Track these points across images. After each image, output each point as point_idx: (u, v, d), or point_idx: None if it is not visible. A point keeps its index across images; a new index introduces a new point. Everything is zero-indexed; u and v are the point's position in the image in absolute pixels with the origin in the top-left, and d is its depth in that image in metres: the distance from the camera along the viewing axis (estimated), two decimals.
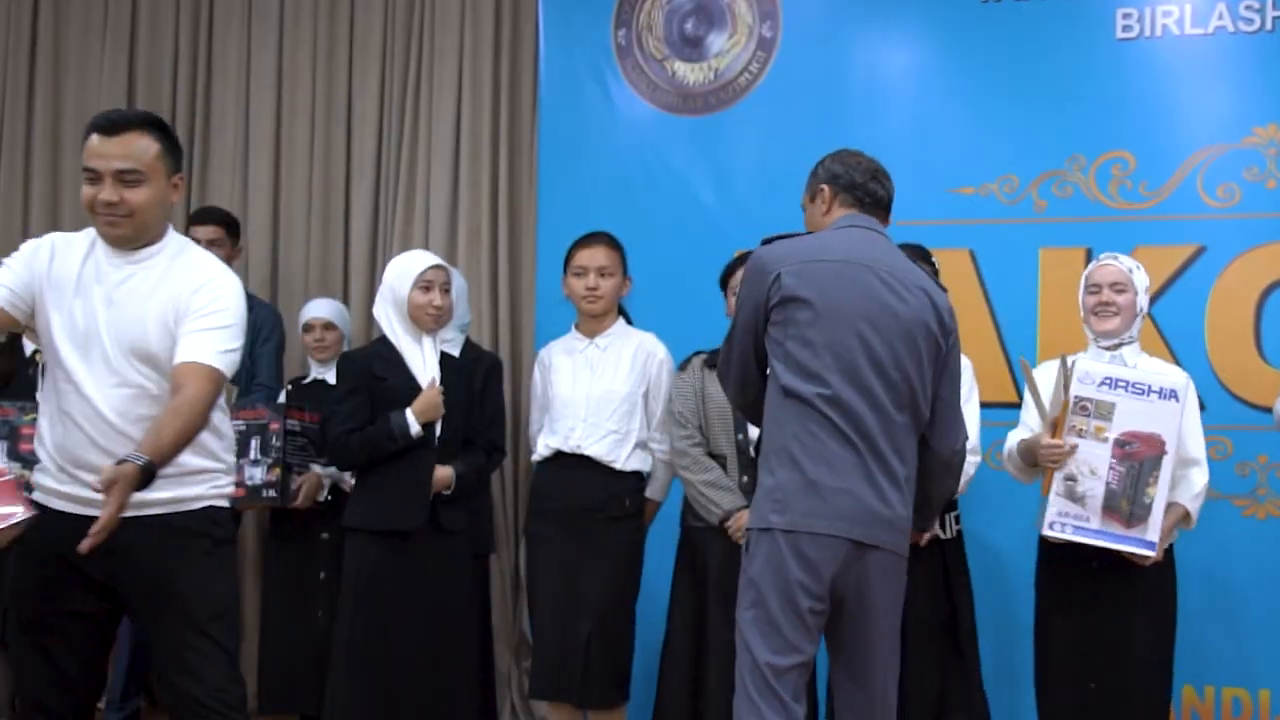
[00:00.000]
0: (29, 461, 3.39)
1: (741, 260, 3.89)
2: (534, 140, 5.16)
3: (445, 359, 4.09)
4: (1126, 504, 3.39)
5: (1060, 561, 3.58)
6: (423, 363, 4.03)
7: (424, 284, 4.00)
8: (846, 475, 2.93)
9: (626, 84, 4.85)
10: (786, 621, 2.91)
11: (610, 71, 4.86)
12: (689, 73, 4.79)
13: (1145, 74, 4.33)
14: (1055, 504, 3.44)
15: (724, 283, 4.02)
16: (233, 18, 5.58)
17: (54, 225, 5.70)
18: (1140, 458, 3.38)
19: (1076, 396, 3.44)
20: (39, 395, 3.14)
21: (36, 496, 3.00)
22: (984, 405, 3.90)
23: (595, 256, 4.10)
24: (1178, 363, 4.03)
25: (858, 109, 4.57)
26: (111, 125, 3.00)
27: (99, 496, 2.74)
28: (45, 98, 5.72)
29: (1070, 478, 3.43)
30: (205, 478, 3.04)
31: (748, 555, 3.01)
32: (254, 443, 4.28)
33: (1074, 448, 3.42)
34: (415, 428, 3.92)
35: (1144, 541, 3.40)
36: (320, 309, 4.87)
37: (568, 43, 4.91)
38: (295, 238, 5.49)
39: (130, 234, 3.01)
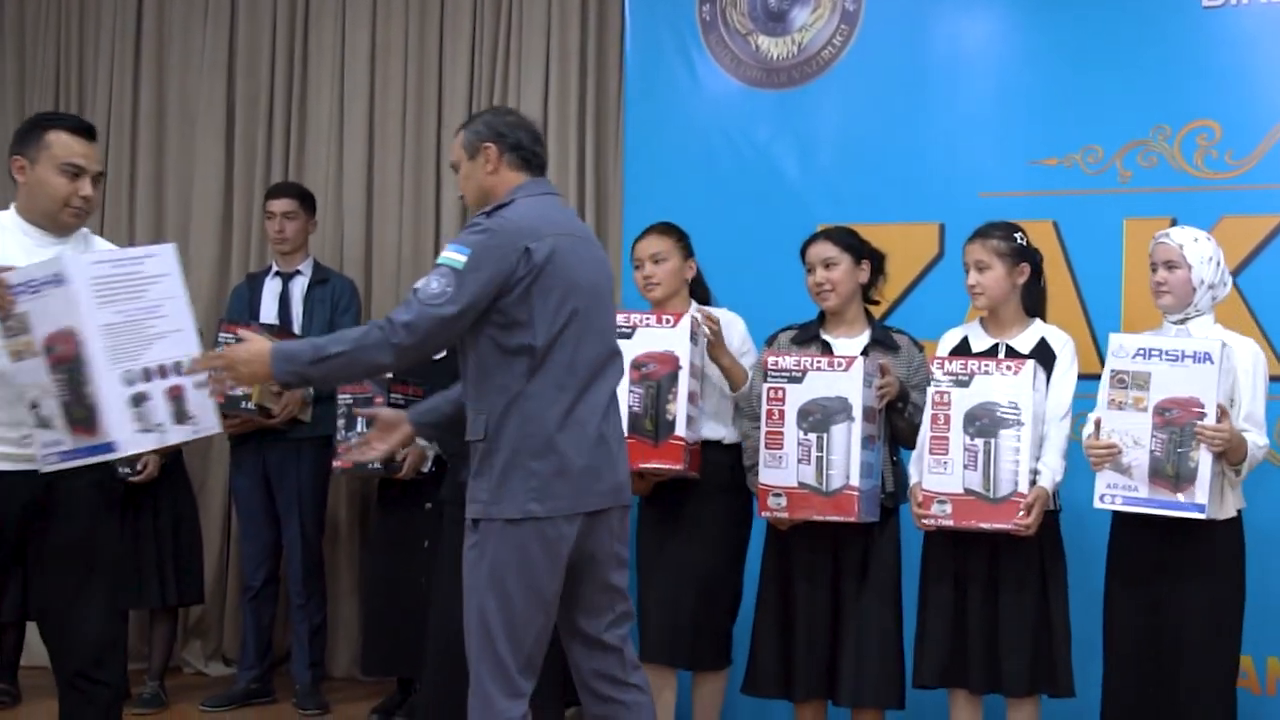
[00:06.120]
0: None
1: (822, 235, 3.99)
2: (620, 116, 5.24)
3: None
4: (1172, 469, 3.44)
5: (1125, 533, 3.62)
6: None
7: None
8: (596, 450, 3.05)
9: (711, 59, 4.88)
10: (534, 615, 3.01)
11: (695, 46, 4.89)
12: (772, 47, 4.82)
13: (1232, 41, 4.28)
14: (1103, 477, 3.51)
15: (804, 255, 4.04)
16: None
17: (158, 206, 5.90)
18: (1181, 423, 3.42)
19: (1112, 370, 3.50)
20: None
21: None
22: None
23: (645, 246, 4.17)
24: (1263, 333, 4.04)
25: (940, 80, 4.58)
26: (90, 131, 3.26)
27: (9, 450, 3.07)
28: (150, 82, 5.91)
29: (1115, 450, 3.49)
30: None
31: (484, 541, 3.00)
32: (361, 418, 4.38)
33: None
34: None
35: (1194, 505, 3.42)
36: None
37: (653, 18, 4.95)
38: (388, 213, 5.63)
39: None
